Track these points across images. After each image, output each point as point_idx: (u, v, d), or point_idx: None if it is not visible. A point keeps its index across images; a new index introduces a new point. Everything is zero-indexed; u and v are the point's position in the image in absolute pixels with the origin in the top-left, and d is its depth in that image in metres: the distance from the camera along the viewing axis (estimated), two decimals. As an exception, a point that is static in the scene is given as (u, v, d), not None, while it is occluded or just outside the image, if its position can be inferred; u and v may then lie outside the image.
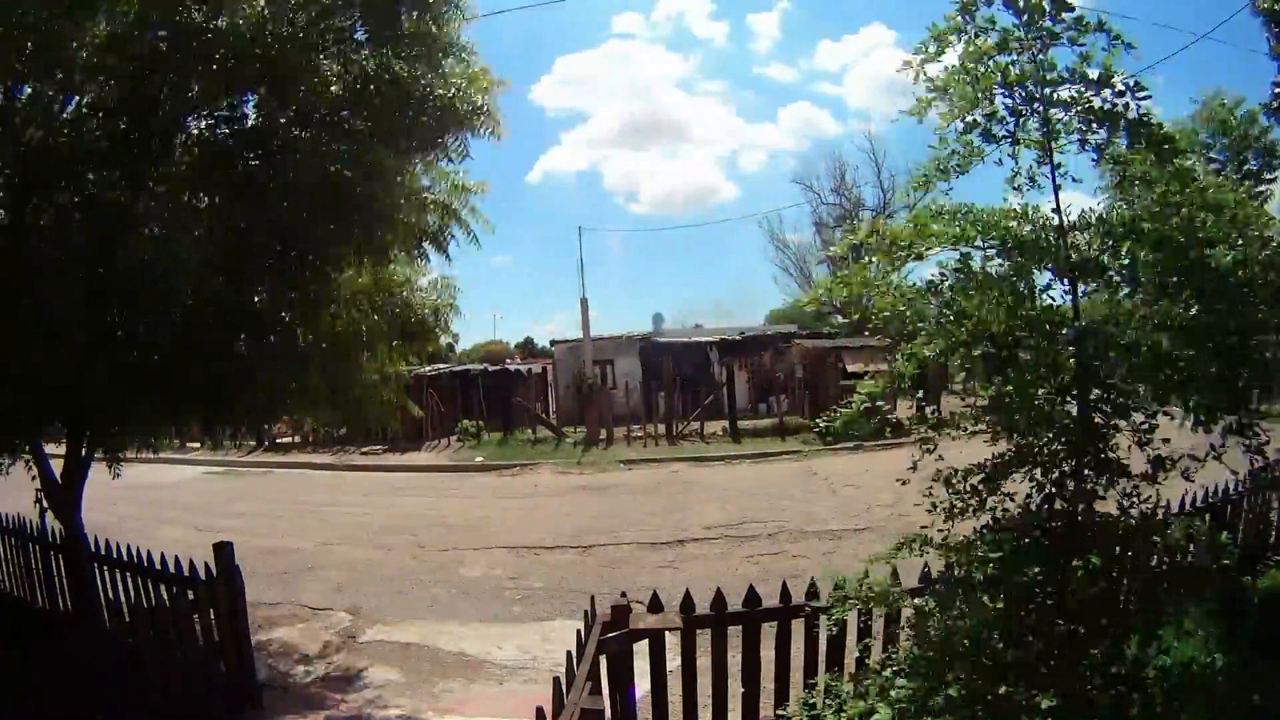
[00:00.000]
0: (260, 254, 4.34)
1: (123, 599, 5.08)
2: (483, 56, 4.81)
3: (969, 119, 2.36)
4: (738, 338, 24.61)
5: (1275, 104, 6.67)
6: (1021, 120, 2.38)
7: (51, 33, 3.44)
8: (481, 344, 40.26)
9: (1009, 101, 2.38)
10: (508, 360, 31.73)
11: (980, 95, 2.35)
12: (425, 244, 5.37)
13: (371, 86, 4.16)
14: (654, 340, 25.17)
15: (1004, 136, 2.40)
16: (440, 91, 4.36)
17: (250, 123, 4.34)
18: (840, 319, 35.72)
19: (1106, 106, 2.28)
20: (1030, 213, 2.39)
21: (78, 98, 4.06)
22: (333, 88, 4.16)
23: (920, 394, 2.64)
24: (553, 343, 26.62)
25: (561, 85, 62.14)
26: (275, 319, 4.68)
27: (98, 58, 3.66)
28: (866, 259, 2.60)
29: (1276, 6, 6.09)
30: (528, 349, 41.52)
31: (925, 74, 2.41)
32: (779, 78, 59.89)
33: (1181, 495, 3.93)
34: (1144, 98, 2.27)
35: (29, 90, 3.91)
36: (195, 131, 4.42)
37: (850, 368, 17.50)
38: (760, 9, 62.03)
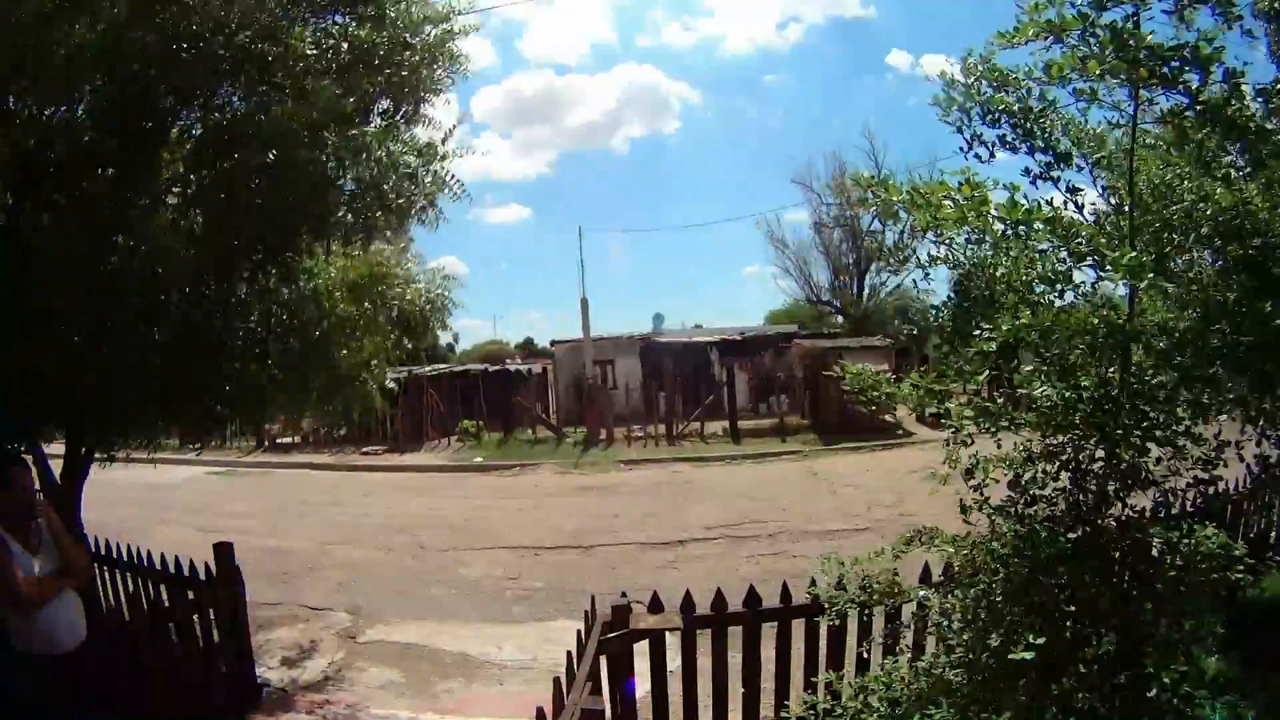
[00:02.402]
0: (245, 244, 4.31)
1: (123, 599, 5.09)
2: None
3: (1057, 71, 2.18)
4: (738, 338, 24.60)
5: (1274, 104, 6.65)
6: (1114, 76, 2.21)
7: (42, 36, 3.44)
8: (482, 344, 40.38)
9: (1113, 57, 2.16)
10: (508, 360, 31.74)
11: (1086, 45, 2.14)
12: (407, 219, 5.12)
13: (344, 53, 4.08)
14: (654, 340, 25.16)
15: (1087, 92, 2.24)
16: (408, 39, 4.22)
17: (236, 112, 4.28)
18: (840, 319, 35.74)
19: (1210, 94, 2.12)
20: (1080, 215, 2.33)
21: (72, 98, 4.05)
22: (304, 59, 4.06)
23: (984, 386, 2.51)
24: (553, 343, 26.61)
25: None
26: (264, 312, 4.65)
27: (90, 58, 3.64)
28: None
29: (1277, 6, 6.07)
30: (528, 349, 41.54)
31: None
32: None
33: (1182, 496, 3.92)
34: (1239, 88, 2.14)
35: (21, 93, 3.89)
36: (182, 124, 4.39)
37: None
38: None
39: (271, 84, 4.04)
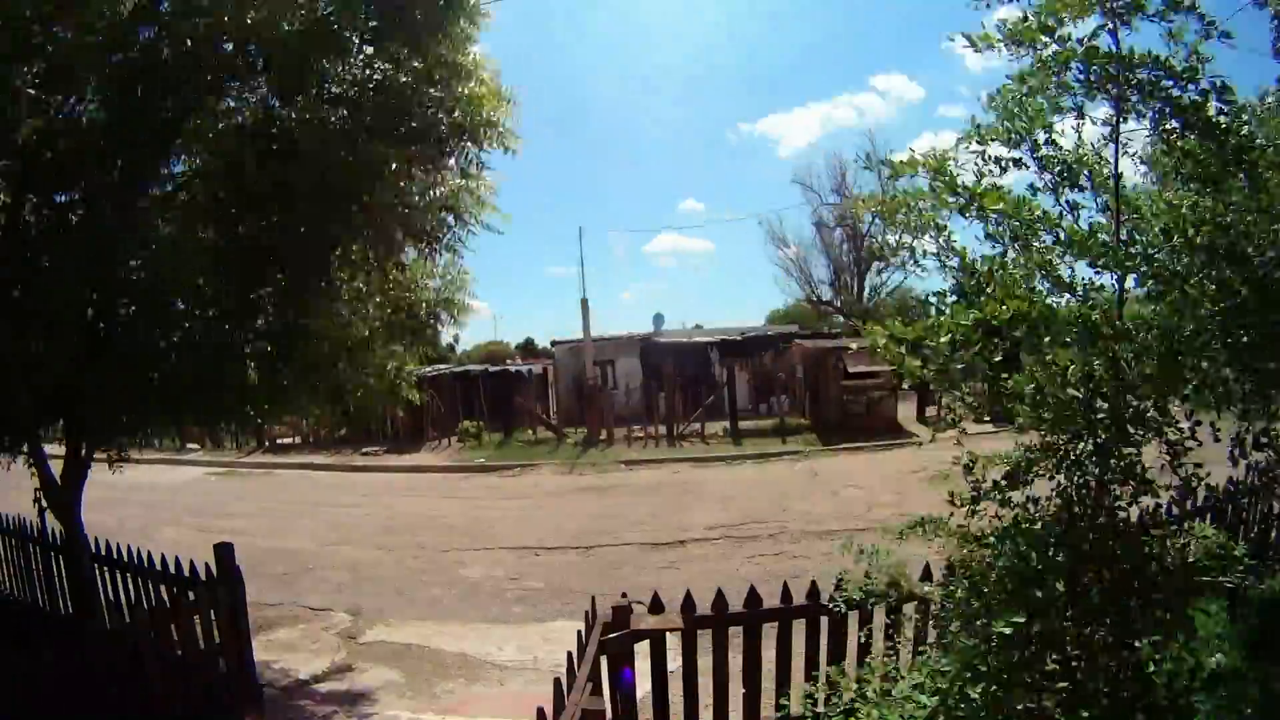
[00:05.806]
0: (265, 255, 4.31)
1: (123, 600, 5.08)
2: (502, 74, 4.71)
3: (1033, 82, 2.24)
4: (738, 338, 24.59)
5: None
6: (1091, 93, 2.26)
7: (45, 30, 3.44)
8: (482, 344, 40.33)
9: (1082, 75, 2.24)
10: (508, 360, 31.75)
11: (1056, 62, 2.22)
12: (433, 245, 5.18)
13: (381, 95, 4.13)
14: (655, 341, 25.16)
15: (1070, 109, 2.29)
16: (451, 108, 4.31)
17: (254, 120, 4.30)
18: (841, 319, 35.74)
19: (1187, 100, 2.16)
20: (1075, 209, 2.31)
21: (74, 96, 4.04)
22: (335, 89, 4.12)
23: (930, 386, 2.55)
24: (553, 343, 26.61)
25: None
26: (281, 319, 4.65)
27: (93, 54, 3.64)
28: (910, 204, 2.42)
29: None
30: (528, 349, 41.50)
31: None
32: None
33: (1190, 494, 3.92)
34: (1229, 101, 2.16)
35: (24, 87, 3.88)
36: (195, 126, 4.39)
37: (851, 368, 17.50)
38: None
39: (285, 95, 4.05)
